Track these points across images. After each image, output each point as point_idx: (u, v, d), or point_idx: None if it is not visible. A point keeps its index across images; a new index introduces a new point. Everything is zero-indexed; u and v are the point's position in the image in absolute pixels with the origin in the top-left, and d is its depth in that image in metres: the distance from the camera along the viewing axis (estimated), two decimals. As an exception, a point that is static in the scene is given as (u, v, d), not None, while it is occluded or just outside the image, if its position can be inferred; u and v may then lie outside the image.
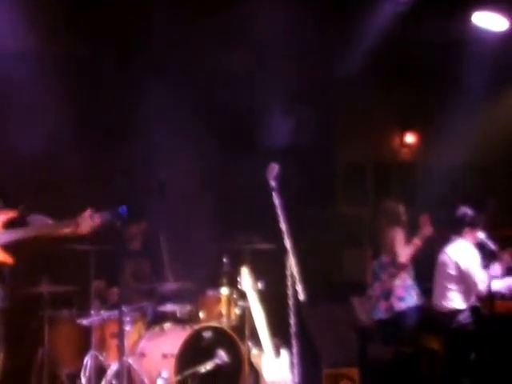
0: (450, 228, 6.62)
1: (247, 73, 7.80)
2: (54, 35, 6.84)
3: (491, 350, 6.11)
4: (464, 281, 6.33)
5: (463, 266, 6.32)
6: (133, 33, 7.07)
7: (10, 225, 4.72)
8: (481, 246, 6.46)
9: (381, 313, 6.51)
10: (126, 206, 4.97)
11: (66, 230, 4.88)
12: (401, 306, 6.40)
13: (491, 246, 6.39)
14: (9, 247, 4.67)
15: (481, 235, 6.43)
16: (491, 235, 6.49)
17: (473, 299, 6.37)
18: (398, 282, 6.47)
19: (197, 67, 7.61)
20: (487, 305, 6.25)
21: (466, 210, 6.49)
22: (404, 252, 6.45)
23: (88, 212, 4.86)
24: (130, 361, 5.86)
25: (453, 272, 6.37)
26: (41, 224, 4.89)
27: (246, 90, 7.65)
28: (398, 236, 6.54)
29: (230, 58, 7.63)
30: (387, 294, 6.47)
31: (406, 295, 6.42)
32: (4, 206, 4.79)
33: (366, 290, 6.79)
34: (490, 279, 6.19)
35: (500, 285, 6.42)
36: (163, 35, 6.94)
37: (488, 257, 6.44)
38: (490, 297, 6.18)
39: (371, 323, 6.66)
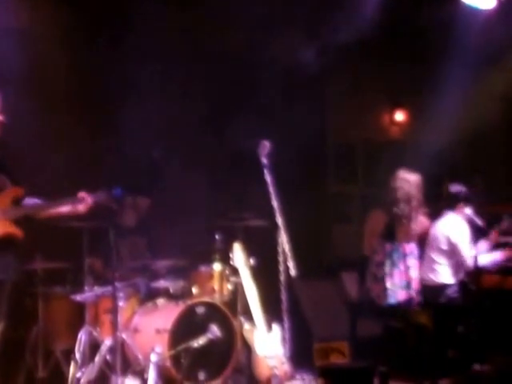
0: (441, 204, 6.65)
1: (237, 51, 7.80)
2: (47, 11, 6.83)
3: (479, 323, 6.19)
4: (453, 255, 6.40)
5: (453, 240, 6.38)
6: (126, 10, 7.05)
7: (17, 202, 4.86)
8: (468, 222, 6.52)
9: (399, 300, 6.40)
10: (119, 187, 5.04)
11: (65, 209, 4.97)
12: (419, 299, 6.35)
13: (478, 221, 6.47)
14: (18, 221, 4.78)
15: (468, 211, 6.49)
16: (478, 211, 6.56)
17: (461, 274, 6.45)
18: (415, 274, 6.34)
19: (190, 45, 7.60)
20: (474, 279, 6.34)
21: (460, 187, 6.53)
22: None
23: (82, 193, 4.94)
24: (124, 336, 5.92)
25: (443, 246, 6.42)
26: (42, 203, 5.01)
27: (235, 68, 7.66)
28: (426, 227, 6.42)
29: (221, 37, 7.63)
30: (407, 284, 6.32)
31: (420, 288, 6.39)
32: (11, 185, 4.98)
33: (371, 266, 6.50)
34: (477, 254, 6.26)
35: (486, 259, 6.47)
36: (155, 13, 6.94)
37: (476, 232, 6.50)
38: (477, 272, 6.25)
39: (384, 304, 6.55)
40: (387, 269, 6.37)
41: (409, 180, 6.39)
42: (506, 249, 6.55)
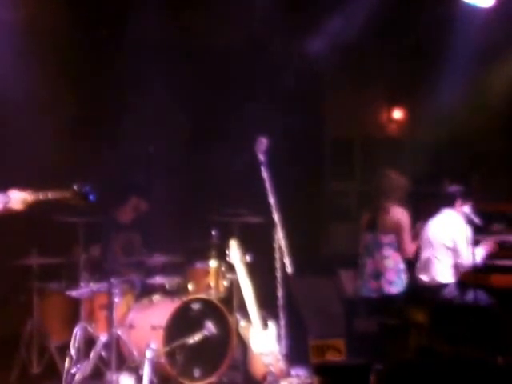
0: (436, 202, 6.64)
1: (235, 49, 7.79)
2: (44, 8, 6.81)
3: (476, 322, 6.17)
4: (452, 253, 6.37)
5: (453, 238, 6.35)
6: (122, 7, 7.03)
7: None
8: (467, 220, 6.49)
9: (370, 292, 6.47)
10: (90, 186, 4.96)
11: None
12: (390, 290, 6.30)
13: (476, 220, 6.44)
14: None
15: (466, 210, 6.47)
16: (476, 210, 6.54)
17: (458, 272, 6.42)
18: (390, 265, 6.35)
19: (188, 43, 7.60)
20: (471, 278, 6.32)
21: (457, 186, 6.54)
22: (411, 247, 6.41)
23: (13, 190, 4.76)
24: (119, 332, 5.91)
25: (441, 245, 6.39)
26: None
27: (234, 64, 7.65)
28: (405, 221, 6.38)
29: (219, 34, 7.63)
30: (378, 275, 6.38)
31: (397, 279, 6.33)
32: None
33: (358, 260, 6.67)
34: (474, 253, 6.24)
35: (481, 253, 6.42)
36: (153, 10, 6.91)
37: (474, 231, 6.46)
38: (475, 270, 6.23)
39: (358, 298, 6.65)
40: (364, 259, 6.49)
41: (392, 177, 6.57)
42: (485, 243, 6.53)
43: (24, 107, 6.70)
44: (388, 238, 6.40)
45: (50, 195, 4.79)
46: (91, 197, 4.94)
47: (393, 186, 6.50)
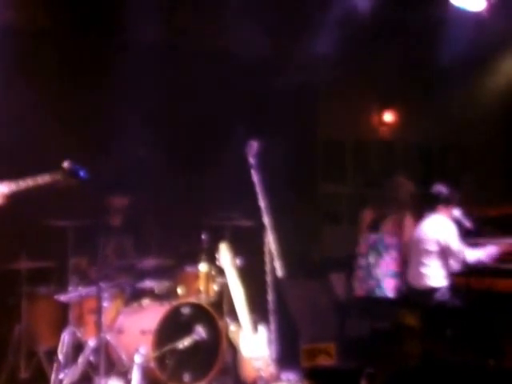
0: (426, 205, 6.65)
1: (228, 50, 7.77)
2: (37, 9, 6.78)
3: (468, 325, 6.16)
4: (444, 256, 6.34)
5: (443, 240, 6.33)
6: (116, 9, 7.00)
7: None
8: (457, 224, 6.48)
9: (387, 291, 6.51)
10: (80, 167, 4.93)
11: None
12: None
13: (467, 223, 6.42)
14: None
15: (456, 213, 6.45)
16: (466, 213, 6.53)
17: (450, 275, 6.41)
18: (398, 267, 6.54)
19: (181, 45, 7.58)
20: (462, 281, 6.31)
21: (441, 188, 6.52)
22: None
23: None
24: (108, 337, 5.87)
25: (432, 248, 6.36)
26: None
27: (227, 66, 7.62)
28: (410, 227, 6.56)
29: (214, 37, 7.61)
30: (395, 273, 6.51)
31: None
32: None
33: (357, 259, 6.74)
34: (466, 252, 6.27)
35: (481, 254, 6.39)
36: (142, 11, 6.88)
37: (464, 234, 6.45)
38: (467, 272, 6.23)
39: (369, 297, 6.66)
40: (372, 259, 6.51)
41: (401, 184, 6.75)
42: (502, 243, 6.51)
43: (15, 107, 6.65)
44: (393, 240, 6.57)
45: (40, 180, 4.74)
46: (81, 174, 4.91)
47: (402, 194, 6.69)
